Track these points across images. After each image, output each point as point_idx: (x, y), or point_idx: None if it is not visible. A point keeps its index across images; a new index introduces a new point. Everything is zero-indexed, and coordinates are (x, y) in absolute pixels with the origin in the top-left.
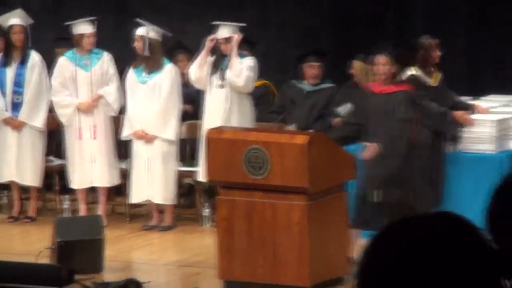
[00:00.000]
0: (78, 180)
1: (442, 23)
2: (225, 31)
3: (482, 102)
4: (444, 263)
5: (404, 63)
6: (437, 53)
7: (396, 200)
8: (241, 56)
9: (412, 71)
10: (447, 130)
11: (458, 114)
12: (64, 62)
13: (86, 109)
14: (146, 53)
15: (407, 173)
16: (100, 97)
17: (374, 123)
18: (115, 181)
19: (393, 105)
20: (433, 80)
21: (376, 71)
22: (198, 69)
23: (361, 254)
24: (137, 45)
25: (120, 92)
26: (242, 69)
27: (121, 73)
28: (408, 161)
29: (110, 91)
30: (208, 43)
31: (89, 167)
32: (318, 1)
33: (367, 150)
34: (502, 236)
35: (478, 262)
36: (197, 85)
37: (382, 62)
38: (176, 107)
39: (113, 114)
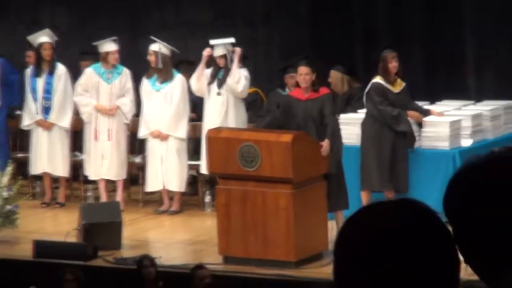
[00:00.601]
0: (92, 172)
1: (403, 41)
2: (220, 49)
3: (438, 107)
4: (406, 242)
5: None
6: (393, 64)
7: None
8: None
9: (376, 79)
10: (401, 128)
11: (411, 113)
12: (90, 73)
13: (102, 111)
14: (160, 65)
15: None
16: (117, 107)
17: (308, 126)
18: (123, 175)
19: (321, 108)
20: (396, 87)
21: (300, 81)
22: (197, 81)
23: (337, 234)
24: (151, 58)
25: (133, 103)
26: (241, 77)
27: (136, 82)
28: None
29: (125, 103)
30: (204, 57)
31: (99, 163)
32: (299, 24)
33: (324, 147)
34: (455, 220)
35: (435, 240)
36: (198, 94)
37: (304, 72)
38: (185, 110)
39: (127, 122)
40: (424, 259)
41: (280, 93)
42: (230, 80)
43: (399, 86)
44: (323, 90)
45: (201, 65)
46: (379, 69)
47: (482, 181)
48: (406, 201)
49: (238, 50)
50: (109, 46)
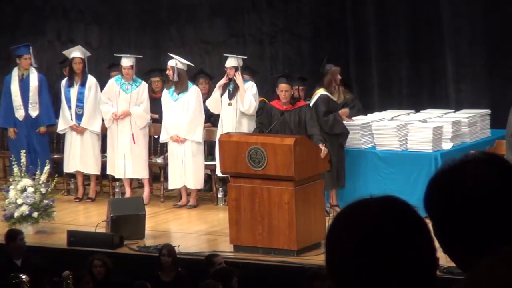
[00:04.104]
0: (115, 171)
1: (391, 57)
2: (231, 61)
3: (422, 114)
4: (388, 234)
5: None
6: (338, 77)
7: None
8: (245, 80)
9: (322, 91)
10: (336, 131)
11: (341, 112)
12: (112, 83)
13: (116, 118)
14: (175, 78)
15: None
16: (128, 113)
17: (285, 133)
18: (144, 174)
19: (299, 118)
20: (337, 97)
21: (280, 96)
22: (214, 103)
23: (327, 228)
24: (169, 72)
25: (147, 112)
26: (251, 100)
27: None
28: None
29: (137, 110)
30: (222, 81)
31: (122, 163)
32: (300, 42)
33: (323, 151)
34: (434, 215)
35: (414, 231)
36: (214, 112)
37: (285, 89)
38: (201, 117)
39: (140, 127)
40: (405, 248)
41: None
42: (242, 108)
43: (340, 95)
44: (300, 103)
45: (217, 90)
46: (325, 82)
47: (457, 181)
48: (388, 199)
49: (239, 76)
50: (123, 61)
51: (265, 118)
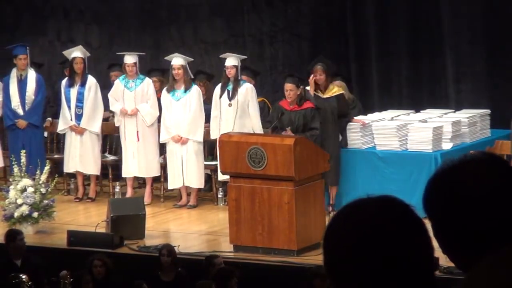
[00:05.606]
0: (127, 171)
1: (391, 57)
2: (231, 60)
3: (422, 114)
4: (387, 234)
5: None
6: (317, 77)
7: None
8: (242, 81)
9: (307, 87)
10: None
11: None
12: (117, 83)
13: (123, 112)
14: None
15: None
16: (137, 110)
17: (294, 131)
18: (154, 173)
19: (304, 119)
20: (326, 93)
21: (286, 95)
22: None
23: (325, 228)
24: (179, 72)
25: (154, 108)
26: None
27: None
28: None
29: (144, 107)
30: None
31: (131, 162)
32: (300, 42)
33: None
34: (433, 215)
35: (412, 231)
36: None
37: (289, 88)
38: (201, 117)
39: (148, 124)
40: (403, 248)
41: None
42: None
43: (330, 92)
44: (307, 104)
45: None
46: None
47: (457, 181)
48: (386, 198)
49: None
50: (126, 59)
51: (275, 117)
